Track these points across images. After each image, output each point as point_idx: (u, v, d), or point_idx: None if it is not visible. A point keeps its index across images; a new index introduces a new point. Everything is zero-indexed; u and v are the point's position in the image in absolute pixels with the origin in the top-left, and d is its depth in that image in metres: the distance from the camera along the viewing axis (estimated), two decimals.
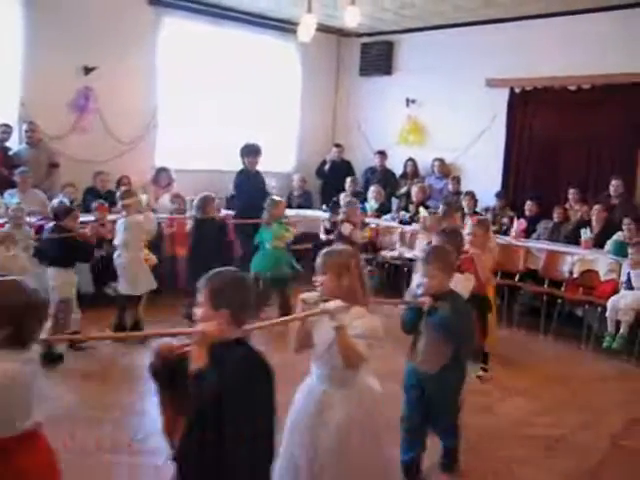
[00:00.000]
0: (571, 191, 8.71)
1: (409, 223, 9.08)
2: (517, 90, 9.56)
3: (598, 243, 7.67)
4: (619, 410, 5.15)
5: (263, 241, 7.21)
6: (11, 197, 7.35)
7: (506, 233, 8.42)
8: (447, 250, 3.87)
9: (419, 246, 8.04)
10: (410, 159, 10.52)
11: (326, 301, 2.88)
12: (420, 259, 3.84)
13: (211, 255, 6.43)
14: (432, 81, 10.47)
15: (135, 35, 9.17)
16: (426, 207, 9.10)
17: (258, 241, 7.30)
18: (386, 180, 10.46)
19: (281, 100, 11.14)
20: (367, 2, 8.72)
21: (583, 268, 7.41)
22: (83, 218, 6.55)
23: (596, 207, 7.97)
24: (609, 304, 6.71)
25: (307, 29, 7.87)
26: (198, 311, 2.50)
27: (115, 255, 6.50)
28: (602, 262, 7.27)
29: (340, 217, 7.95)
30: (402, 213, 9.47)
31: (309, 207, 10.30)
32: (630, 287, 6.72)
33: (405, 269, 8.26)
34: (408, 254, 8.51)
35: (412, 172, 10.46)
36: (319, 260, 3.08)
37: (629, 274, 6.78)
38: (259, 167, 8.53)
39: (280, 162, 10.88)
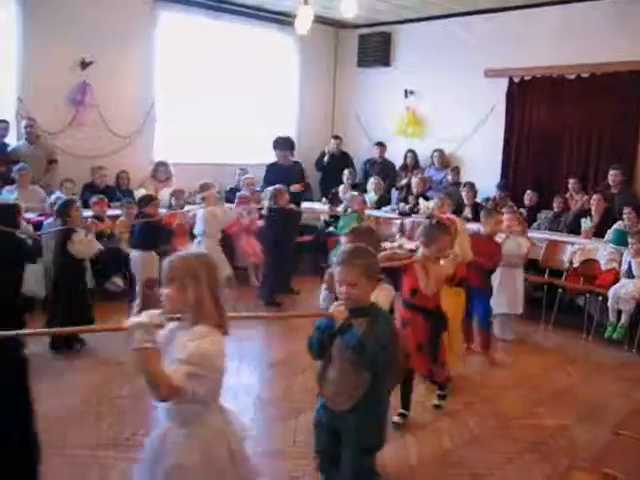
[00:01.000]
0: (571, 181, 8.69)
1: (409, 214, 9.06)
2: (516, 80, 9.52)
3: (598, 232, 7.66)
4: (620, 400, 5.15)
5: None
6: (9, 194, 7.33)
7: None
8: (371, 252, 3.14)
9: None
10: (410, 150, 10.50)
11: (172, 319, 2.45)
12: (337, 262, 3.05)
13: (288, 242, 7.62)
14: (430, 72, 10.43)
15: (132, 29, 9.14)
16: (426, 198, 9.09)
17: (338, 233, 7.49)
18: (386, 172, 10.44)
19: (279, 92, 11.11)
20: None
21: (584, 258, 7.39)
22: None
23: (595, 197, 7.95)
24: (610, 293, 6.70)
25: (304, 21, 7.86)
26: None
27: (195, 243, 6.90)
28: (602, 251, 7.25)
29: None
30: (402, 205, 9.46)
31: (309, 199, 10.29)
32: (631, 276, 6.71)
33: None
34: (408, 245, 8.49)
35: (412, 163, 10.44)
36: (164, 267, 2.54)
37: (630, 263, 6.76)
38: (294, 158, 8.66)
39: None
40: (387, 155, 10.73)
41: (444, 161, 10.23)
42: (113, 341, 6.06)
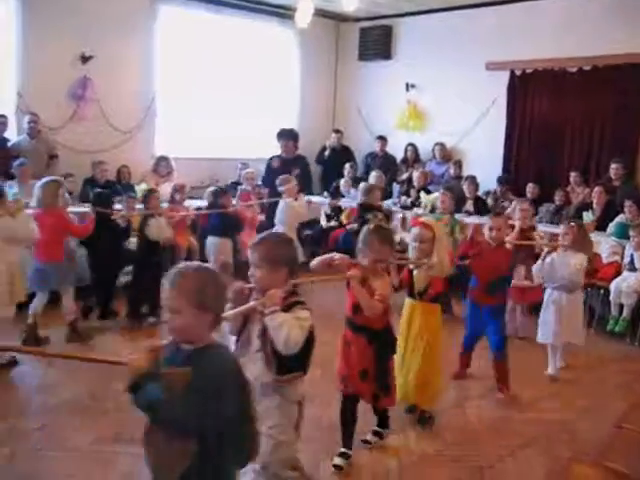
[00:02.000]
0: (572, 174, 8.68)
1: (410, 208, 9.04)
2: (517, 73, 9.50)
3: (600, 226, 7.64)
4: (623, 393, 5.15)
5: None
6: (10, 188, 7.31)
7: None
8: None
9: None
10: (410, 144, 10.48)
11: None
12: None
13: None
14: (432, 65, 10.41)
15: (132, 23, 9.11)
16: (427, 192, 9.06)
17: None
18: (387, 165, 10.41)
19: (280, 86, 11.09)
20: None
21: None
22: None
23: (597, 189, 7.93)
24: (612, 286, 6.69)
25: (304, 14, 7.84)
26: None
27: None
28: (604, 244, 7.23)
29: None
30: (403, 198, 9.44)
31: (310, 193, 10.27)
32: (633, 269, 6.70)
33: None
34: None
35: (413, 157, 10.43)
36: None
37: (632, 256, 6.75)
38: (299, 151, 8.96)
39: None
40: (388, 149, 10.71)
41: (445, 155, 10.21)
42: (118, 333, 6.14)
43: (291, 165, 8.44)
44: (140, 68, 9.30)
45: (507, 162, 9.67)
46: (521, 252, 6.04)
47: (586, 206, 7.94)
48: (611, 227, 7.46)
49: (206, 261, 6.75)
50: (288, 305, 2.92)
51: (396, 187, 10.02)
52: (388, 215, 8.43)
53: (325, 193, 10.07)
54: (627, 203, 7.38)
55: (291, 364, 2.99)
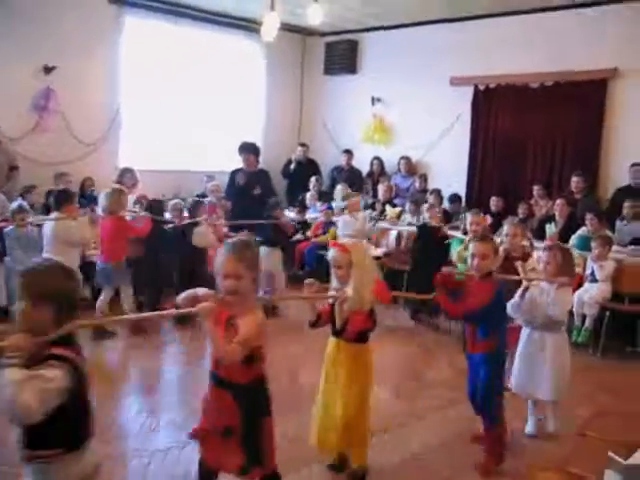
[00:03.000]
0: (536, 187, 8.80)
1: (376, 221, 9.06)
2: (481, 88, 9.63)
3: (563, 238, 7.73)
4: (585, 402, 5.19)
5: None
6: None
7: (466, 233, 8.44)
8: None
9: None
10: (376, 157, 10.56)
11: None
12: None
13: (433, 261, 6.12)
14: (397, 80, 10.51)
15: (96, 34, 9.05)
16: (393, 205, 9.12)
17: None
18: (352, 179, 10.45)
19: (246, 99, 11.09)
20: (331, 0, 8.70)
21: None
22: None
23: (559, 201, 8.04)
24: (575, 298, 6.73)
25: (270, 28, 7.83)
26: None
27: None
28: None
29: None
30: (369, 211, 9.46)
31: None
32: (594, 280, 6.79)
33: None
34: (374, 252, 8.50)
35: (378, 171, 10.49)
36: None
37: (592, 268, 6.85)
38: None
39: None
40: (354, 162, 10.76)
41: (410, 168, 10.29)
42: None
43: (254, 179, 8.36)
44: (104, 79, 9.23)
45: (471, 176, 9.78)
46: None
47: (549, 219, 8.03)
48: (573, 239, 7.55)
49: None
50: (41, 358, 2.31)
51: (361, 201, 10.03)
52: None
53: (290, 207, 10.05)
54: (588, 216, 7.48)
55: (46, 435, 2.36)
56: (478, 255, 4.00)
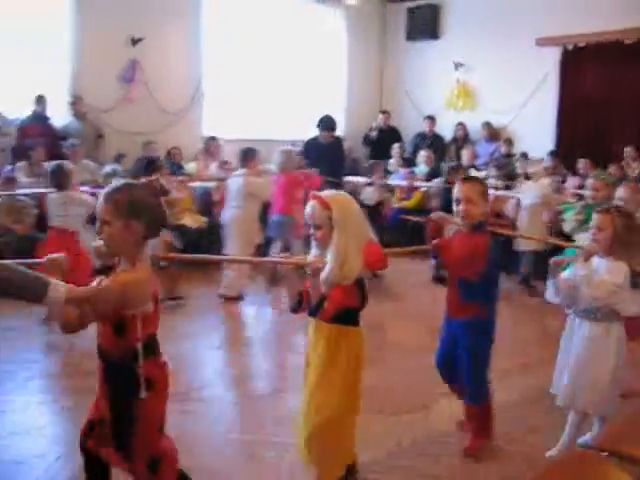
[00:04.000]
0: (627, 149, 8.49)
1: None
2: (569, 47, 9.28)
3: None
4: None
5: None
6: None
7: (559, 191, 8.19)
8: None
9: None
10: (460, 123, 10.37)
11: None
12: None
13: None
14: (480, 44, 10.26)
15: (179, 5, 9.17)
16: (477, 170, 8.93)
17: None
18: (436, 145, 10.31)
19: (327, 67, 11.05)
20: None
21: None
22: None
23: None
24: None
25: None
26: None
27: None
28: None
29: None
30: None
31: (356, 174, 10.21)
32: None
33: None
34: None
35: (462, 137, 10.31)
36: None
37: None
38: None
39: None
40: (436, 128, 10.61)
41: (494, 133, 10.07)
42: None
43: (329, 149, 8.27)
44: (187, 50, 9.36)
45: (559, 138, 9.49)
46: None
47: None
48: None
49: None
50: None
51: (444, 166, 9.89)
52: None
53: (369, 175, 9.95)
54: None
55: None
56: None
